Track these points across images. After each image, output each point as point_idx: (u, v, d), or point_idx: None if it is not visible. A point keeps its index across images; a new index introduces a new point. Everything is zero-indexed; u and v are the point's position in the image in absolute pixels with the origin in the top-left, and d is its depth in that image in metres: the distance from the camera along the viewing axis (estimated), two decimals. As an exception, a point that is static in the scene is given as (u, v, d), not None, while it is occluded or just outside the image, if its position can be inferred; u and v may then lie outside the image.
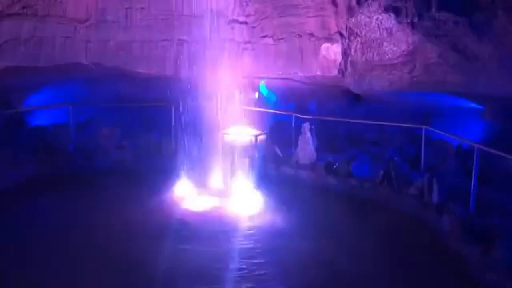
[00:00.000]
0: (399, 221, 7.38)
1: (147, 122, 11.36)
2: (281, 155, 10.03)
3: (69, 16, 11.55)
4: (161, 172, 9.01)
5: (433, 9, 8.29)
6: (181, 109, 10.04)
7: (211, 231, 7.04)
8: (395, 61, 9.52)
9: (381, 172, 8.49)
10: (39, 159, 9.65)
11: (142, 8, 11.95)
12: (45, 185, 8.78)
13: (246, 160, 9.08)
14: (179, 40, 12.23)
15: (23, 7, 11.03)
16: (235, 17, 12.19)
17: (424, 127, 8.83)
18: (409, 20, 8.66)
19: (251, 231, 7.11)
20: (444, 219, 6.77)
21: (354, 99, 12.06)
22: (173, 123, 10.62)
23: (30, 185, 8.76)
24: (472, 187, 6.89)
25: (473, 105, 10.92)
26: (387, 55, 9.54)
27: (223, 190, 8.66)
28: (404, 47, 9.15)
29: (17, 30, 11.09)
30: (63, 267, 5.76)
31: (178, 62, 12.14)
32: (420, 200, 7.67)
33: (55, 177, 9.17)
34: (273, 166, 9.77)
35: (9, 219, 7.29)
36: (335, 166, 9.18)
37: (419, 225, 7.23)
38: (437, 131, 8.88)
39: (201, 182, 8.84)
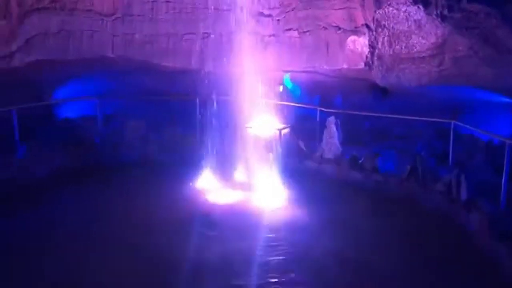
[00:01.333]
0: (426, 218, 7.24)
1: (172, 115, 11.43)
2: (305, 149, 9.94)
3: (96, 10, 11.72)
4: (185, 164, 9.06)
5: (464, 1, 8.05)
6: (205, 102, 10.07)
7: (235, 224, 7.05)
8: (424, 54, 9.30)
9: (408, 167, 8.33)
10: (67, 150, 9.84)
11: (168, 1, 12.03)
12: (72, 176, 8.97)
13: (270, 154, 9.05)
14: (204, 33, 12.28)
15: (52, 1, 11.26)
16: (260, 10, 12.14)
17: (452, 121, 8.61)
18: (438, 12, 8.42)
19: (275, 225, 7.10)
20: (473, 216, 6.61)
21: (380, 92, 11.85)
22: (197, 117, 10.65)
23: (58, 176, 8.97)
24: (503, 184, 6.69)
25: (504, 99, 10.59)
26: (416, 47, 9.33)
27: (246, 184, 8.66)
28: (433, 39, 8.92)
29: (46, 24, 11.32)
30: (89, 257, 5.90)
31: (203, 56, 12.21)
32: (448, 197, 7.49)
33: (82, 169, 9.35)
34: (296, 160, 9.68)
35: (38, 209, 7.51)
36: (360, 161, 9.05)
37: (446, 222, 7.07)
38: (466, 126, 8.64)
39: (225, 175, 8.86)
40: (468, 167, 7.97)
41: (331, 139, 9.51)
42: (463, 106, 10.75)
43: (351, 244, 6.34)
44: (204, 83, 10.36)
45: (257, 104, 10.07)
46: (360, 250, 6.17)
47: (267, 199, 7.99)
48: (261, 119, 10.53)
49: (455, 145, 8.59)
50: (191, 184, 8.63)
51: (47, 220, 7.10)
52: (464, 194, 7.18)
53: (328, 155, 9.48)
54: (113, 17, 11.87)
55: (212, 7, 12.04)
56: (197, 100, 10.60)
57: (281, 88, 12.70)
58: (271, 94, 11.75)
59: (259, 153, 9.01)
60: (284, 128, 10.09)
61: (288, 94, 12.55)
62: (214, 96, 9.90)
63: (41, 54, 11.42)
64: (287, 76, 12.75)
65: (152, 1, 11.94)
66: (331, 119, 9.61)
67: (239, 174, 8.93)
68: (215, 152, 9.18)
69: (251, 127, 10.00)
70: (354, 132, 10.33)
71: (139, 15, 11.98)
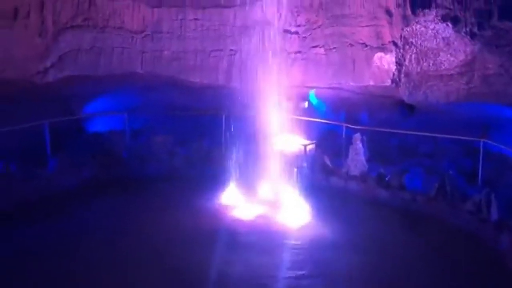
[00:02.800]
0: (455, 237, 7.09)
1: (198, 130, 11.56)
2: (330, 165, 9.91)
3: (127, 28, 12.05)
4: (211, 179, 9.15)
5: (495, 18, 7.95)
6: (231, 118, 10.16)
7: (260, 240, 7.06)
8: (452, 72, 9.20)
9: (436, 185, 8.20)
10: (96, 163, 10.07)
11: (196, 19, 12.26)
12: (101, 188, 9.17)
13: (295, 170, 9.05)
14: (231, 50, 12.44)
15: (85, 19, 11.63)
16: (286, 27, 12.25)
17: (482, 140, 8.46)
18: (468, 30, 8.34)
19: (300, 242, 7.07)
20: (504, 237, 6.45)
21: (407, 109, 11.74)
22: (223, 132, 10.76)
23: (87, 188, 9.21)
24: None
25: (536, 118, 10.33)
26: (444, 65, 9.23)
27: (271, 199, 8.66)
28: (461, 57, 8.82)
29: (78, 41, 11.69)
30: (115, 268, 5.98)
31: (229, 72, 12.37)
32: (477, 216, 7.33)
33: (110, 181, 9.53)
34: (322, 177, 9.65)
35: (66, 220, 7.70)
36: (386, 178, 8.96)
37: (476, 242, 6.92)
38: (496, 144, 8.46)
39: (250, 190, 8.89)
40: (498, 186, 7.80)
41: (357, 155, 9.46)
42: (492, 123, 10.54)
43: (378, 262, 6.26)
44: (230, 98, 10.48)
45: (283, 120, 10.11)
46: (387, 269, 6.08)
47: (292, 216, 7.97)
48: (287, 134, 10.57)
49: (484, 164, 8.42)
50: (216, 199, 8.69)
51: (74, 230, 7.29)
52: (494, 214, 7.03)
53: (354, 172, 9.42)
54: (142, 34, 12.18)
55: (239, 25, 12.23)
56: (223, 115, 10.72)
57: (306, 104, 12.73)
58: (296, 110, 11.80)
59: (285, 168, 9.02)
60: (309, 144, 10.09)
61: (314, 110, 12.56)
62: (240, 112, 9.99)
63: (73, 70, 11.77)
64: (312, 92, 12.78)
65: (181, 19, 12.19)
66: (357, 135, 9.56)
67: (264, 190, 8.94)
68: (240, 167, 9.23)
69: (276, 143, 10.03)
70: (380, 149, 10.25)
71: (168, 33, 12.25)
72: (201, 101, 12.24)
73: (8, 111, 10.01)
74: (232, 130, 10.20)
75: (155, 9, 12.07)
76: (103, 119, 12.26)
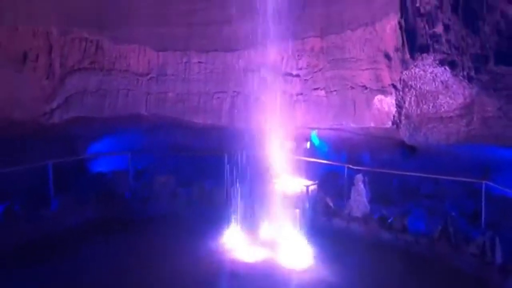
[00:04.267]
0: (459, 281, 6.99)
1: (201, 171, 11.62)
2: (332, 206, 9.88)
3: (132, 70, 12.38)
4: (212, 220, 9.11)
5: (491, 63, 8.15)
6: (234, 158, 10.22)
7: (261, 284, 6.97)
8: (452, 114, 9.33)
9: (439, 227, 8.14)
10: (99, 203, 10.09)
11: (200, 62, 12.61)
12: (103, 228, 9.16)
13: (297, 211, 9.02)
14: (234, 92, 12.70)
15: (92, 62, 11.98)
16: (288, 71, 12.55)
17: (484, 181, 8.46)
18: (465, 73, 8.52)
19: (302, 286, 6.97)
20: (509, 281, 6.34)
21: (408, 150, 11.81)
22: (226, 172, 10.79)
23: (90, 228, 9.21)
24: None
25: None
26: (443, 107, 9.38)
27: (273, 241, 8.59)
28: (460, 100, 8.97)
29: (85, 83, 12.00)
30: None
31: (232, 113, 12.57)
32: (482, 260, 7.23)
33: (113, 221, 9.52)
34: (324, 218, 9.59)
35: (68, 259, 7.66)
36: (389, 220, 8.91)
37: (480, 286, 6.81)
38: (498, 186, 8.46)
39: (252, 232, 8.84)
40: (502, 228, 7.74)
41: (359, 197, 9.45)
42: (494, 165, 10.56)
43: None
44: (233, 139, 10.58)
45: (285, 160, 10.17)
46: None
47: (293, 258, 7.89)
48: (289, 175, 10.59)
49: (487, 205, 8.39)
50: (217, 240, 8.63)
51: (76, 269, 7.24)
52: (499, 257, 6.94)
53: (356, 213, 9.38)
54: (148, 77, 12.50)
55: (242, 67, 12.53)
56: (226, 156, 10.80)
57: (308, 144, 12.83)
58: (298, 151, 11.89)
59: (286, 209, 8.99)
60: (311, 185, 10.10)
61: (316, 150, 12.65)
62: (242, 152, 10.06)
63: (78, 111, 12.02)
64: (314, 133, 12.91)
65: (185, 62, 12.55)
66: (359, 176, 9.58)
67: (266, 231, 8.89)
68: (242, 208, 9.21)
69: (278, 183, 10.05)
70: (382, 190, 10.24)
71: (172, 75, 12.58)
72: (205, 141, 12.37)
73: (13, 151, 10.15)
74: (234, 170, 10.23)
75: (160, 53, 12.44)
76: (107, 159, 12.37)
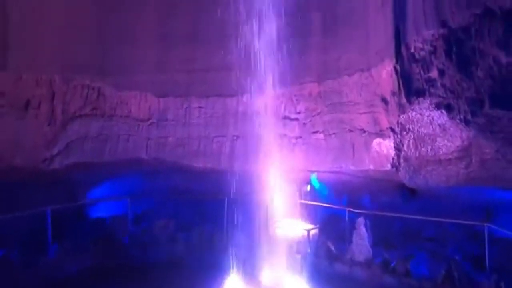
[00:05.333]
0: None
1: (201, 214, 11.57)
2: (334, 251, 9.77)
3: (133, 116, 12.54)
4: (213, 265, 8.97)
5: (486, 106, 8.30)
6: (234, 202, 10.19)
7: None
8: (450, 156, 9.38)
9: (442, 272, 8.04)
10: (97, 250, 9.97)
11: (200, 107, 12.82)
12: (101, 275, 9.02)
13: (299, 256, 8.92)
14: (234, 136, 12.83)
15: (93, 108, 12.15)
16: (287, 114, 12.74)
17: (486, 224, 8.43)
18: (462, 117, 8.65)
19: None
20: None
21: (408, 193, 11.80)
22: (225, 216, 10.74)
23: (87, 275, 9.07)
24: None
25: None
26: (442, 150, 9.44)
27: (275, 287, 8.44)
28: (458, 142, 9.05)
29: (86, 129, 12.12)
30: None
31: (232, 157, 12.63)
32: (488, 305, 7.12)
33: (111, 268, 9.38)
34: (326, 262, 9.47)
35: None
36: (392, 264, 8.80)
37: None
38: (501, 229, 8.41)
39: (253, 277, 8.68)
40: (507, 272, 7.65)
41: (361, 241, 9.37)
42: (495, 207, 10.53)
43: None
44: (232, 183, 10.59)
45: (286, 204, 10.15)
46: None
47: (296, 305, 7.74)
48: (290, 219, 10.54)
49: (491, 249, 8.32)
50: (218, 287, 8.47)
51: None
52: (505, 303, 6.83)
53: (359, 257, 9.28)
54: (148, 122, 12.65)
55: (241, 112, 12.71)
56: (226, 200, 10.77)
57: (308, 187, 12.82)
58: (299, 194, 11.87)
59: (288, 254, 8.89)
60: (312, 229, 10.03)
61: (316, 193, 12.63)
62: (242, 196, 10.05)
63: (79, 157, 12.08)
64: (314, 176, 12.94)
65: (186, 107, 12.75)
66: (361, 220, 9.54)
67: (267, 276, 8.74)
68: (242, 253, 9.10)
69: (279, 227, 9.98)
70: (384, 233, 10.17)
71: (173, 120, 12.74)
72: (204, 185, 12.37)
73: (13, 197, 10.11)
74: (234, 214, 10.18)
75: (161, 99, 12.65)
76: (106, 204, 12.31)
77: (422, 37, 9.31)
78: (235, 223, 9.80)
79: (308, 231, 9.79)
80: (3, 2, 10.54)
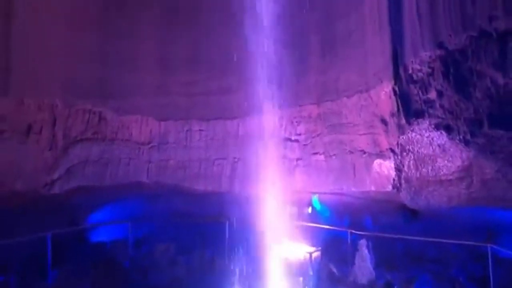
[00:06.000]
0: None
1: (202, 237, 11.49)
2: (337, 273, 9.68)
3: (134, 140, 12.60)
4: (214, 290, 8.91)
5: (485, 127, 8.35)
6: (234, 224, 10.15)
7: None
8: (451, 177, 9.38)
9: (447, 294, 7.96)
10: (97, 274, 9.84)
11: (201, 130, 12.90)
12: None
13: (301, 279, 8.85)
14: (234, 158, 12.86)
15: (94, 133, 12.20)
16: (287, 136, 12.80)
17: (489, 245, 8.37)
18: (461, 137, 8.69)
19: None
20: None
21: (410, 214, 11.74)
22: (226, 239, 10.68)
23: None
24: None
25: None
26: (442, 170, 9.45)
27: (277, 312, 8.36)
28: (458, 162, 9.07)
29: (87, 154, 12.15)
30: None
31: (233, 179, 12.64)
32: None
33: (111, 295, 9.27)
34: (328, 285, 9.37)
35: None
36: (395, 287, 8.72)
37: None
38: (504, 249, 8.35)
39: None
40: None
41: (364, 262, 9.31)
42: (498, 227, 10.45)
43: None
44: (233, 205, 10.57)
45: (287, 226, 10.10)
46: None
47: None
48: (291, 241, 10.47)
49: (495, 270, 8.24)
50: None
51: None
52: (511, 325, 6.73)
53: (362, 280, 9.20)
54: (149, 145, 12.71)
55: (242, 134, 12.79)
56: (227, 223, 10.73)
57: (310, 209, 12.79)
58: (300, 216, 11.84)
59: (290, 277, 8.82)
60: (314, 251, 9.96)
61: (317, 215, 12.59)
62: (243, 219, 10.01)
63: (80, 181, 12.08)
64: (315, 198, 12.91)
65: (187, 130, 12.83)
66: (363, 242, 9.49)
67: (269, 301, 8.66)
68: (244, 277, 9.03)
69: (281, 250, 9.91)
70: (386, 255, 10.09)
71: (173, 143, 12.81)
72: (205, 208, 12.34)
73: (13, 222, 10.07)
74: (235, 237, 10.13)
75: (162, 122, 12.74)
76: (107, 228, 12.25)
77: (420, 59, 9.43)
78: (236, 246, 9.73)
79: (310, 253, 9.71)
80: (7, 27, 10.67)
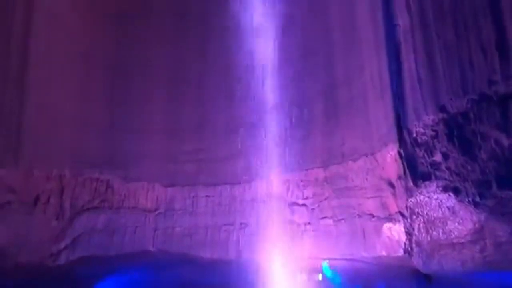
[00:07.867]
0: None
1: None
2: None
3: (140, 207, 12.59)
4: None
5: (494, 188, 8.23)
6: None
7: None
8: (463, 240, 9.12)
9: None
10: None
11: (207, 196, 12.88)
12: None
13: None
14: (241, 223, 12.71)
15: (101, 201, 12.22)
16: (294, 200, 12.69)
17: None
18: (470, 199, 8.56)
19: None
20: None
21: (424, 279, 11.31)
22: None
23: None
24: None
25: None
26: (453, 233, 9.21)
27: None
28: (470, 225, 8.86)
29: (93, 223, 12.11)
30: None
31: (240, 245, 12.42)
32: None
33: None
34: None
35: None
36: None
37: None
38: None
39: None
40: None
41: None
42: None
43: None
44: (241, 274, 10.30)
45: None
46: None
47: None
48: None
49: None
50: None
51: None
52: None
53: None
54: (156, 212, 12.66)
55: (249, 199, 12.73)
56: (235, 293, 10.42)
57: (320, 276, 12.41)
58: (310, 283, 11.48)
59: None
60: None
61: (328, 282, 12.19)
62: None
63: (85, 251, 11.95)
64: (326, 264, 12.57)
65: (193, 196, 12.82)
66: (376, 311, 9.09)
67: None
68: None
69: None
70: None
71: (180, 209, 12.76)
72: (212, 277, 12.03)
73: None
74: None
75: (169, 188, 12.77)
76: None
77: (423, 122, 9.52)
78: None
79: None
80: (20, 103, 10.95)
